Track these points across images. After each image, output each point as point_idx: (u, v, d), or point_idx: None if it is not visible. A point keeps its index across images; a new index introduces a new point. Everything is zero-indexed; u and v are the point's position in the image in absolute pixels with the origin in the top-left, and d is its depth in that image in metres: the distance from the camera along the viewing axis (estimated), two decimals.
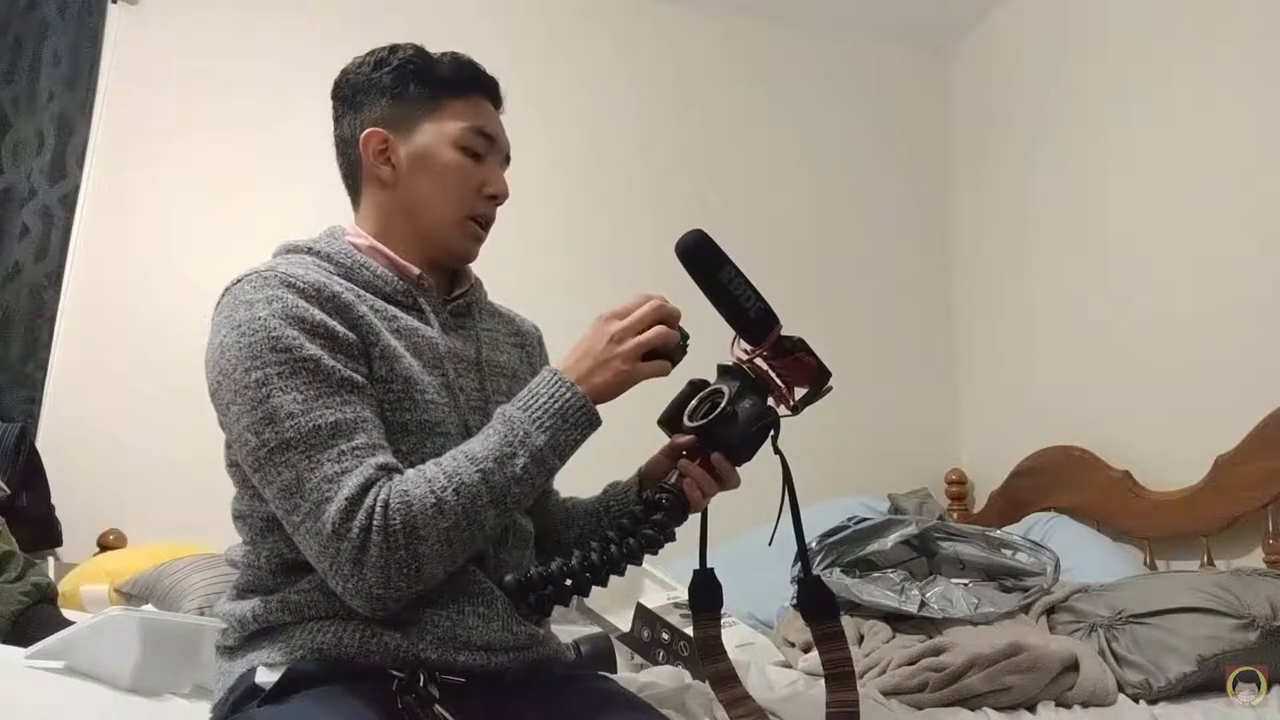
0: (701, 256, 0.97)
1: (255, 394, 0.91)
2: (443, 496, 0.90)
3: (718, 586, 1.04)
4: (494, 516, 0.93)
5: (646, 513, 0.96)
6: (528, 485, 0.94)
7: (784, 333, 0.99)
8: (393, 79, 1.10)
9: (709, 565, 1.05)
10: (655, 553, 0.95)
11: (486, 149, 1.12)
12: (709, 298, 0.98)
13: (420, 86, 1.10)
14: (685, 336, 1.03)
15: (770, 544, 1.05)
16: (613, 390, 0.99)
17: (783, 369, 1.00)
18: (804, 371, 1.00)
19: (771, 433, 0.98)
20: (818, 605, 1.03)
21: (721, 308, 0.98)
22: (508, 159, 1.17)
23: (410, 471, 0.93)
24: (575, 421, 0.96)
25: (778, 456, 0.99)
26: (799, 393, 1.01)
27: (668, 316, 1.01)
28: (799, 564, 1.84)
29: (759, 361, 1.00)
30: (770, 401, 1.00)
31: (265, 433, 0.91)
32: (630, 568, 0.93)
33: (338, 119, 1.15)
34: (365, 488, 0.89)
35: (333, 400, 0.92)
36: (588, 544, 0.92)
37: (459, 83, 1.12)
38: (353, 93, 1.13)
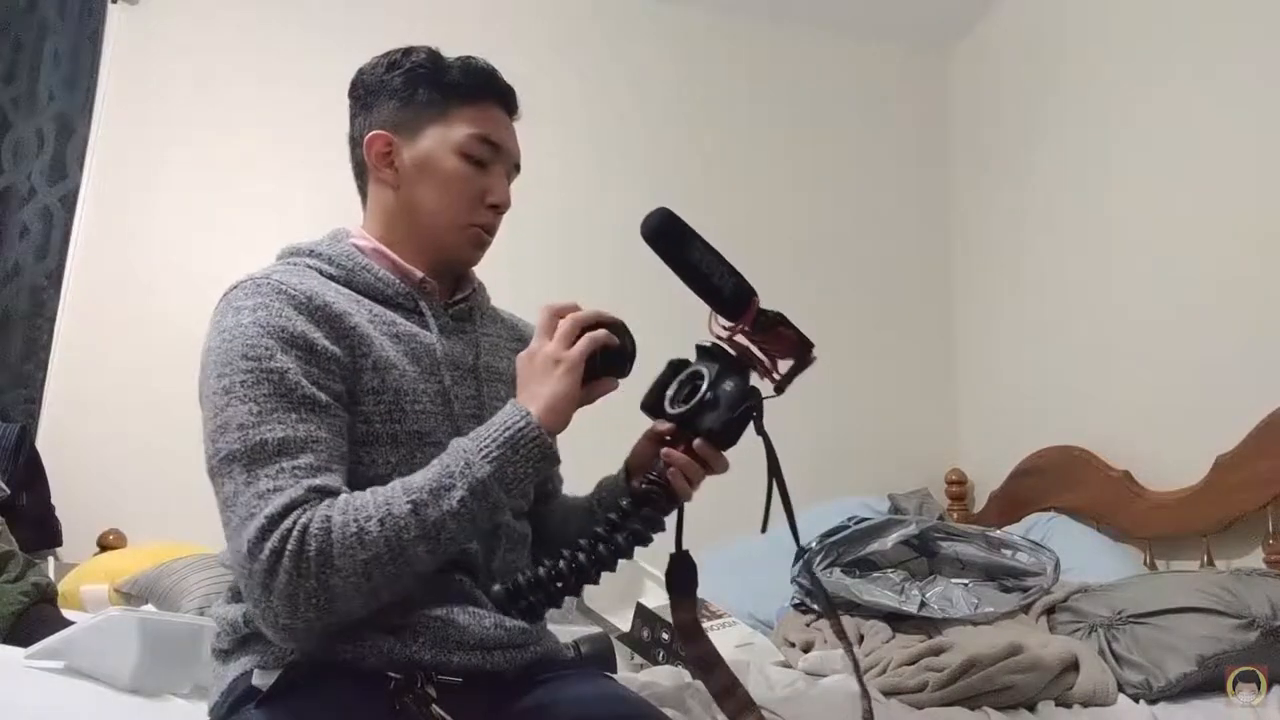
0: (668, 237, 0.92)
1: (219, 401, 0.91)
2: (365, 526, 0.85)
3: (693, 568, 0.99)
4: (425, 552, 0.88)
5: (635, 505, 0.92)
6: (466, 520, 0.89)
7: (762, 306, 0.94)
8: (403, 82, 1.10)
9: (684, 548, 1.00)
10: (645, 545, 0.92)
11: (491, 157, 1.11)
12: (681, 278, 0.93)
13: (429, 91, 1.10)
14: (632, 343, 1.00)
15: (763, 531, 0.99)
16: (560, 415, 0.94)
17: (764, 344, 0.96)
18: (785, 345, 0.96)
19: (755, 414, 0.94)
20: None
21: (694, 287, 0.93)
22: (517, 168, 1.16)
23: (343, 496, 0.89)
24: (527, 453, 0.91)
25: (762, 439, 0.95)
26: (783, 367, 0.97)
27: (596, 324, 0.97)
28: (799, 563, 1.83)
29: (739, 338, 0.96)
30: (753, 381, 0.96)
31: (219, 441, 0.90)
32: (631, 568, 0.92)
33: (351, 118, 1.15)
34: (290, 508, 0.85)
35: (287, 417, 0.90)
36: (576, 543, 0.90)
37: (468, 89, 1.11)
38: (365, 93, 1.13)
